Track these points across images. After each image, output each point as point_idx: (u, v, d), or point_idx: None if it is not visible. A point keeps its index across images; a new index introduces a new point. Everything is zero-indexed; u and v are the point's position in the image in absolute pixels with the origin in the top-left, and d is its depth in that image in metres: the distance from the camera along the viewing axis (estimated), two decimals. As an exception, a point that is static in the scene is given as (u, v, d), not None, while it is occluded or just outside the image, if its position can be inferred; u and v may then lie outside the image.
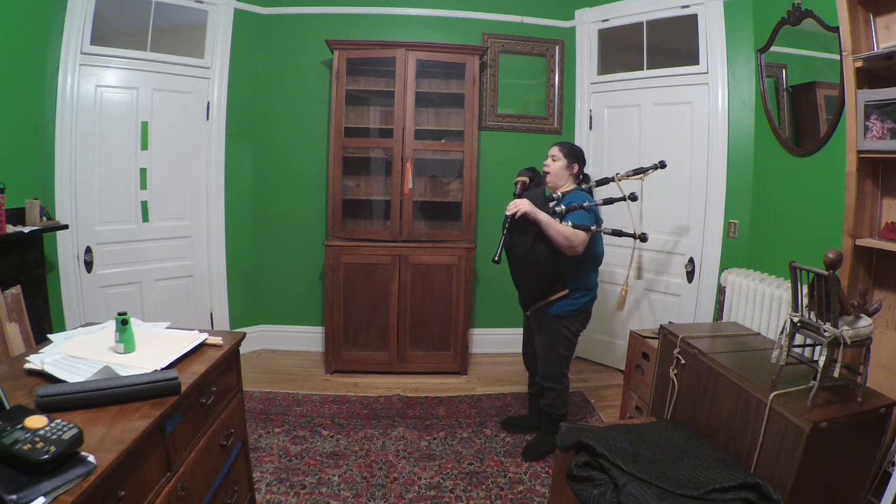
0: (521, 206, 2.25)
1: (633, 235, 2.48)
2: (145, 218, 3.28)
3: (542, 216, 2.25)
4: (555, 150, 2.51)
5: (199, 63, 3.38)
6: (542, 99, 3.80)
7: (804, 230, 2.59)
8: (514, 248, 2.37)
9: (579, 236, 2.26)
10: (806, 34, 2.57)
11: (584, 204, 2.34)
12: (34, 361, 1.31)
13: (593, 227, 2.31)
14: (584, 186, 2.53)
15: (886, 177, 2.05)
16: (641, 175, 2.76)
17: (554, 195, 2.48)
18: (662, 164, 2.76)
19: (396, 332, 3.46)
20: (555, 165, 2.48)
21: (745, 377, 1.73)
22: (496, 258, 2.21)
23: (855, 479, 1.65)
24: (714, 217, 3.13)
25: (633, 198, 2.55)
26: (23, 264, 2.56)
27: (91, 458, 0.94)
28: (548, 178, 2.49)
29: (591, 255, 2.43)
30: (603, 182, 2.73)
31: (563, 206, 2.34)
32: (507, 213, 2.29)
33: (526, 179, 2.42)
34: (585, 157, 2.57)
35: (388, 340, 3.47)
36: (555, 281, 2.42)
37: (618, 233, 2.46)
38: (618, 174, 2.76)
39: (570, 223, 2.28)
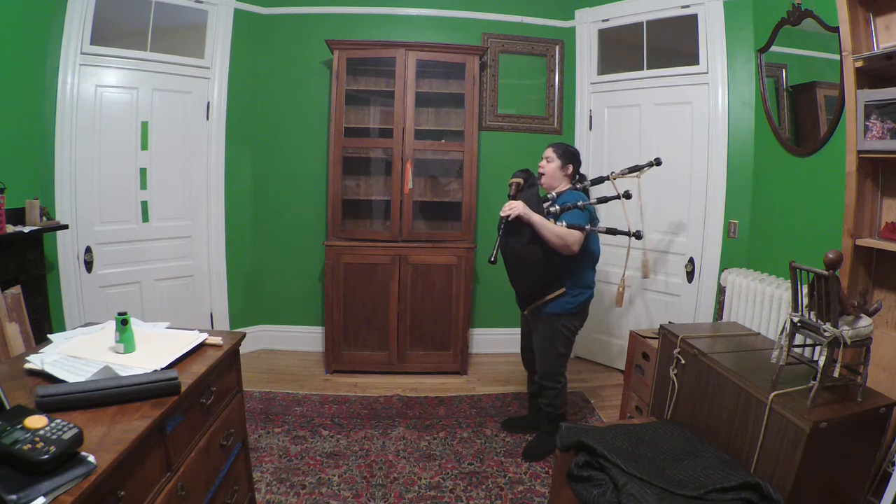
0: (515, 207, 2.26)
1: (627, 233, 2.49)
2: (145, 218, 3.28)
3: (536, 218, 2.26)
4: (549, 152, 2.51)
5: (199, 63, 3.38)
6: (542, 99, 3.80)
7: (804, 230, 2.59)
8: (510, 249, 2.38)
9: (573, 235, 2.27)
10: (806, 34, 2.57)
11: (579, 203, 2.35)
12: (34, 361, 1.31)
13: (587, 226, 2.32)
14: (579, 186, 2.54)
15: (886, 177, 2.05)
16: (637, 173, 2.76)
17: (549, 195, 2.48)
18: (658, 162, 2.76)
19: (396, 332, 3.46)
20: (549, 167, 2.48)
21: (745, 377, 1.73)
22: (492, 259, 2.23)
23: (855, 479, 1.65)
24: (714, 217, 3.13)
25: (627, 196, 2.55)
26: (23, 264, 2.56)
27: (91, 458, 0.94)
28: (543, 180, 2.49)
29: (588, 254, 2.44)
30: (598, 181, 2.73)
31: (557, 207, 2.35)
32: (502, 214, 2.30)
33: (520, 181, 2.43)
34: (581, 157, 2.58)
35: (388, 340, 3.47)
36: (551, 280, 2.43)
37: (612, 231, 2.46)
38: (612, 173, 2.76)
39: (564, 223, 2.28)
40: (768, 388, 1.62)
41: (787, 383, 1.64)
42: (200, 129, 3.45)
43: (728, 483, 1.48)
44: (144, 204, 3.26)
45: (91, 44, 2.92)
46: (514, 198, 2.36)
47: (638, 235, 2.49)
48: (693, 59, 3.20)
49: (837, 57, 2.14)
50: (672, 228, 3.32)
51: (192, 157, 3.44)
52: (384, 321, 3.45)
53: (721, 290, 2.95)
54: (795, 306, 1.70)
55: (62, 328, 2.84)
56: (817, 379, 1.54)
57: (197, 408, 1.38)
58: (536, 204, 2.35)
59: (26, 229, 2.50)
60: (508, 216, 2.26)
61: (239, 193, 3.67)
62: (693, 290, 3.25)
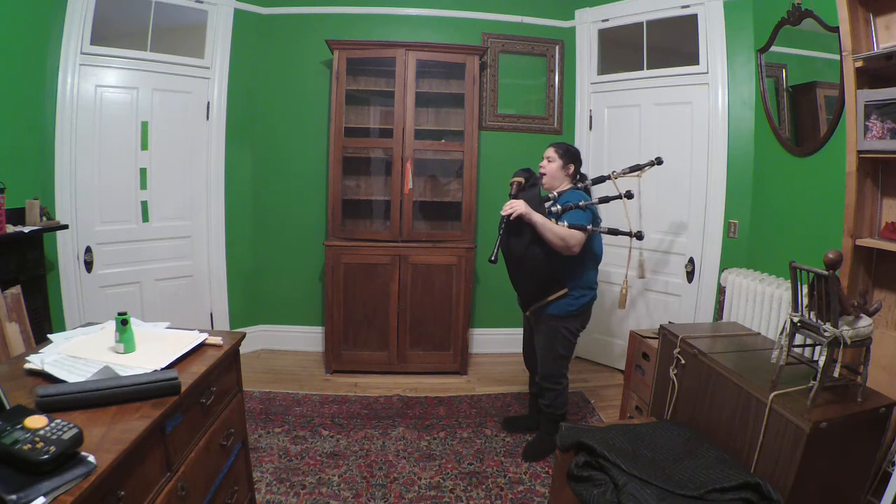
0: (517, 207, 2.25)
1: (629, 234, 2.48)
2: (145, 218, 3.28)
3: (537, 218, 2.25)
4: (550, 152, 2.50)
5: (199, 63, 3.38)
6: (542, 99, 3.80)
7: (804, 230, 2.59)
8: (511, 249, 2.37)
9: (575, 236, 2.26)
10: (806, 34, 2.57)
11: (581, 203, 2.34)
12: (34, 361, 1.31)
13: (589, 227, 2.31)
14: (580, 186, 2.53)
15: (886, 177, 2.05)
16: (638, 172, 2.75)
17: (550, 195, 2.48)
18: (659, 161, 2.75)
19: (396, 332, 3.46)
20: (551, 167, 2.48)
21: (745, 377, 1.73)
22: (492, 258, 2.21)
23: (855, 479, 1.65)
24: (714, 217, 3.13)
25: (629, 195, 2.54)
26: (23, 264, 2.56)
27: (91, 458, 0.94)
28: (544, 180, 2.49)
29: (590, 254, 2.43)
30: (599, 180, 2.73)
31: (559, 206, 2.34)
32: (503, 213, 2.29)
33: (521, 180, 2.42)
34: (582, 156, 2.57)
35: (388, 340, 3.47)
36: (553, 281, 2.42)
37: (614, 231, 2.45)
38: (614, 172, 2.75)
39: (566, 223, 2.28)
40: (768, 388, 1.62)
41: (787, 383, 1.64)
42: (200, 129, 3.45)
43: (728, 483, 1.48)
44: (144, 204, 3.26)
45: (91, 44, 2.92)
46: (515, 197, 2.35)
47: (639, 236, 2.49)
48: (693, 59, 3.20)
49: (837, 57, 2.14)
50: (672, 228, 3.32)
51: (192, 157, 3.44)
52: (384, 321, 3.45)
53: (721, 290, 2.95)
54: (795, 306, 1.70)
55: (62, 328, 2.84)
56: (817, 379, 1.54)
57: (197, 408, 1.38)
58: (537, 204, 2.34)
59: (26, 229, 2.50)
60: (510, 215, 2.26)
61: (239, 193, 3.67)
62: (693, 290, 3.25)
